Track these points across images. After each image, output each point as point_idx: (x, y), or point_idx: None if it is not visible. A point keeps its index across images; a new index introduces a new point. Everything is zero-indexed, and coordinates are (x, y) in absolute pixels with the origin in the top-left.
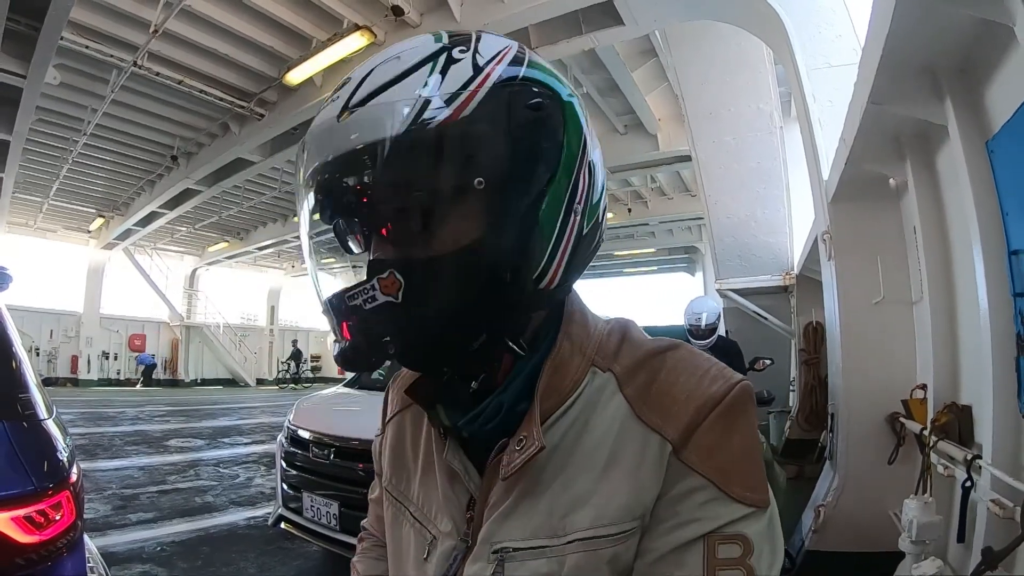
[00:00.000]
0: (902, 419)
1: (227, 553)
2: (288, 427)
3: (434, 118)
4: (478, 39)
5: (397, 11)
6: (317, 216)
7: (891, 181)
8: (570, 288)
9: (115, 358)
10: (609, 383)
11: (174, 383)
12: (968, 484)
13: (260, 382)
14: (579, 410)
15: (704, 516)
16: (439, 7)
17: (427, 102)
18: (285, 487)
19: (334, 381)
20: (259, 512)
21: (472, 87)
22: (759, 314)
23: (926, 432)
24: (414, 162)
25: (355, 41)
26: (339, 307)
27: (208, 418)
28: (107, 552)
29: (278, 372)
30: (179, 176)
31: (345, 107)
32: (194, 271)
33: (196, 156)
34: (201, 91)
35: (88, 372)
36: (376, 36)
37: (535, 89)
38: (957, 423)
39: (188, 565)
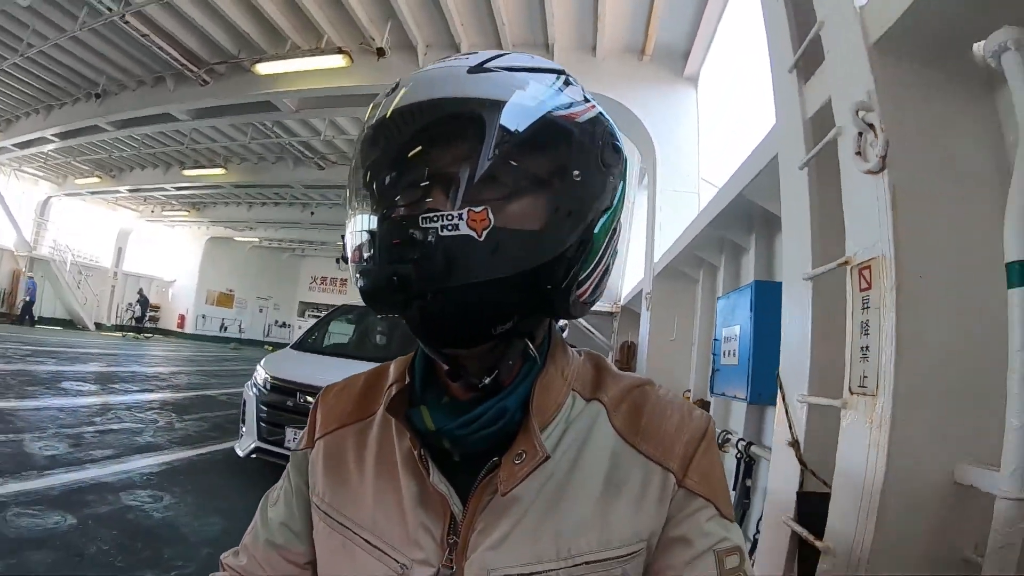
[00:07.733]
0: None
1: (206, 477)
2: (267, 377)
3: (558, 111)
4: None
5: (380, 52)
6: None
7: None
8: (587, 311)
9: None
10: (600, 414)
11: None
12: None
13: (99, 326)
14: (571, 435)
15: (710, 531)
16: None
17: (555, 94)
18: (263, 424)
19: (174, 335)
20: (205, 450)
21: (586, 105)
22: (589, 329)
23: None
24: (534, 137)
25: (335, 60)
26: (398, 230)
27: (78, 362)
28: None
29: (127, 319)
30: (89, 111)
31: (482, 66)
32: (47, 199)
33: (116, 97)
34: (145, 35)
35: None
36: (353, 61)
37: (615, 136)
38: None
39: (180, 488)
